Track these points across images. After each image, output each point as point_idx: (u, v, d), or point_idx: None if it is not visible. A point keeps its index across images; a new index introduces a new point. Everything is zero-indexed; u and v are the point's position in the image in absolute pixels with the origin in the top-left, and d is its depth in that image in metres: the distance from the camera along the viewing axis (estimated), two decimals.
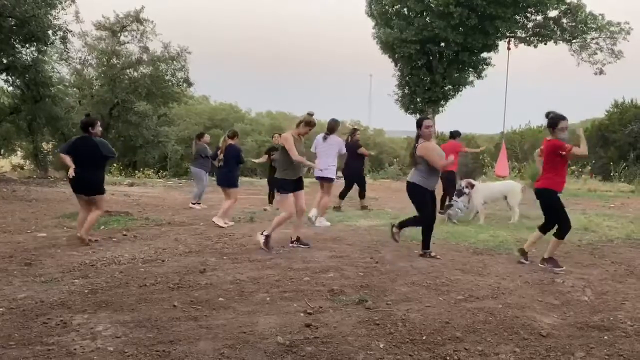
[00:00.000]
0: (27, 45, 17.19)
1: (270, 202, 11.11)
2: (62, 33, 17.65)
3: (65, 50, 19.58)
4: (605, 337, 3.89)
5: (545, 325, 4.10)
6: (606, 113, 34.62)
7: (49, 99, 18.76)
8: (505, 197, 9.83)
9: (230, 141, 9.01)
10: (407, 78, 23.26)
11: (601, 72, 23.89)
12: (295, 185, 6.84)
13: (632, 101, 32.93)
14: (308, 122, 6.80)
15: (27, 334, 3.69)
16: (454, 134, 11.44)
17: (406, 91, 23.59)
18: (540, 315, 4.36)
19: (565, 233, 5.98)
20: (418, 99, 23.42)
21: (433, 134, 6.69)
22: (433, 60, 22.66)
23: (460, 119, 49.18)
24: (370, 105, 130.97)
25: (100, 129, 7.18)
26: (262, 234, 6.70)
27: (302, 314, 4.23)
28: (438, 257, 6.39)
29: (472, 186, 9.78)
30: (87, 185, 6.93)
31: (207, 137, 11.85)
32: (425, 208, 6.52)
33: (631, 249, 7.24)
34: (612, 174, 21.89)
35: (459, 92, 23.56)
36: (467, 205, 9.86)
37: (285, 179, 6.76)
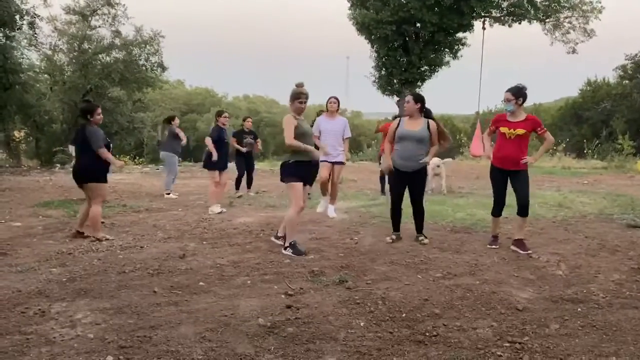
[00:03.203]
0: None
1: (237, 188, 10.93)
2: (30, 18, 17.20)
3: (34, 36, 19.08)
4: (579, 309, 4.00)
5: (522, 300, 4.20)
6: (579, 91, 35.20)
7: (19, 86, 18.30)
8: None
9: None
10: (383, 59, 23.20)
11: (574, 51, 24.20)
12: (307, 172, 5.70)
13: (604, 79, 33.57)
14: (293, 96, 5.61)
15: (4, 323, 3.64)
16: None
17: (383, 72, 23.54)
18: (516, 290, 4.46)
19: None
20: (395, 80, 23.42)
21: (408, 110, 6.09)
22: (409, 41, 22.63)
23: (437, 99, 49.37)
24: (348, 87, 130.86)
25: (101, 116, 6.52)
26: (284, 249, 5.66)
27: (283, 296, 4.26)
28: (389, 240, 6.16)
29: None
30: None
31: (177, 121, 11.24)
32: (390, 190, 6.42)
33: (604, 224, 7.42)
34: (585, 151, 22.33)
35: (435, 73, 23.61)
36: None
37: (296, 161, 5.58)
